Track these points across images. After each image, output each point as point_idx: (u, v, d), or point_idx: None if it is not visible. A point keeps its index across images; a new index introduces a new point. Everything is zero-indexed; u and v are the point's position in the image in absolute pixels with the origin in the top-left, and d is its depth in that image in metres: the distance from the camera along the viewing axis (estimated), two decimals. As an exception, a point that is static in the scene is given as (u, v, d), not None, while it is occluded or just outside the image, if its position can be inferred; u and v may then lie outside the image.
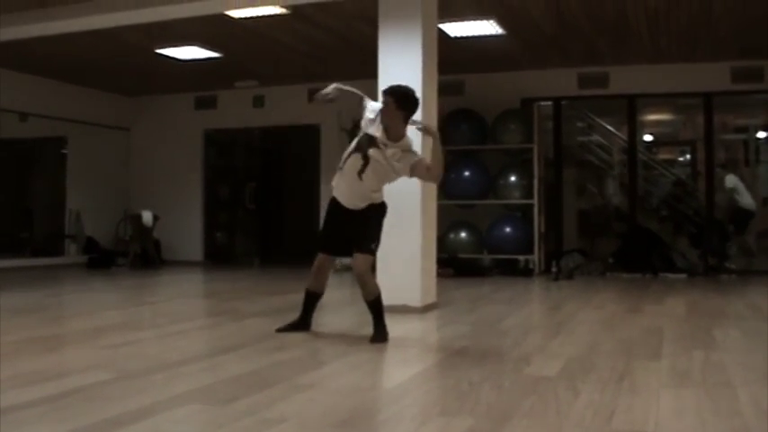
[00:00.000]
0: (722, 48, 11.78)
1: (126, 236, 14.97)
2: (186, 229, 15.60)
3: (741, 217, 13.57)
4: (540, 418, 3.67)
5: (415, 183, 7.72)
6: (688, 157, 18.11)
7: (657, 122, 18.40)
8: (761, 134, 18.05)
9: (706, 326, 6.78)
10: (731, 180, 13.74)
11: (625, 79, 12.98)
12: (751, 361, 5.16)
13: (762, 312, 8.13)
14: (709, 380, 4.53)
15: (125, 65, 13.08)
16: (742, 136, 18.50)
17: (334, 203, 6.39)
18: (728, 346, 5.75)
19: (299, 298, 9.03)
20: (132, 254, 14.44)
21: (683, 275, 12.06)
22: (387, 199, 7.99)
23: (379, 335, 5.98)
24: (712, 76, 12.74)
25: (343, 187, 6.32)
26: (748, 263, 13.22)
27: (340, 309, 8.72)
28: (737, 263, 12.99)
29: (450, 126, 12.76)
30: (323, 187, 14.54)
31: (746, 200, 13.64)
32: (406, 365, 5.11)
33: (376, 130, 5.93)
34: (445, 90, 11.83)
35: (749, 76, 12.64)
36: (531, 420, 3.63)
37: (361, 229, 6.10)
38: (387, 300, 7.52)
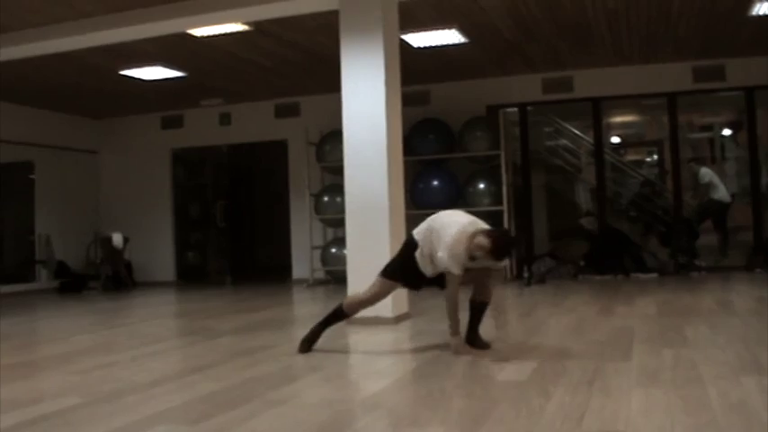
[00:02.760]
0: (683, 48, 11.88)
1: (97, 259, 14.88)
2: (157, 250, 15.55)
3: (718, 210, 13.69)
4: (512, 424, 3.69)
5: (381, 193, 7.76)
6: (655, 157, 18.27)
7: (624, 124, 18.57)
8: (725, 132, 18.26)
9: (676, 324, 6.83)
10: (706, 173, 13.87)
11: (589, 82, 13.06)
12: (721, 357, 5.19)
13: (731, 308, 8.21)
14: (680, 377, 4.56)
15: (90, 87, 13.03)
16: (707, 134, 18.70)
17: None
18: (699, 344, 5.78)
19: (270, 315, 9.06)
20: (104, 277, 14.37)
21: (654, 275, 12.14)
22: (354, 207, 8.04)
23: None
24: (675, 76, 12.84)
25: None
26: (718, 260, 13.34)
27: (312, 323, 8.68)
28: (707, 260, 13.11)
29: (417, 136, 12.80)
30: (292, 202, 14.55)
31: (722, 192, 13.77)
32: (378, 377, 5.11)
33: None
34: (410, 100, 11.93)
35: (711, 74, 12.75)
36: (502, 426, 3.65)
37: None
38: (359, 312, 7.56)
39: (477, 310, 5.98)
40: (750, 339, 5.93)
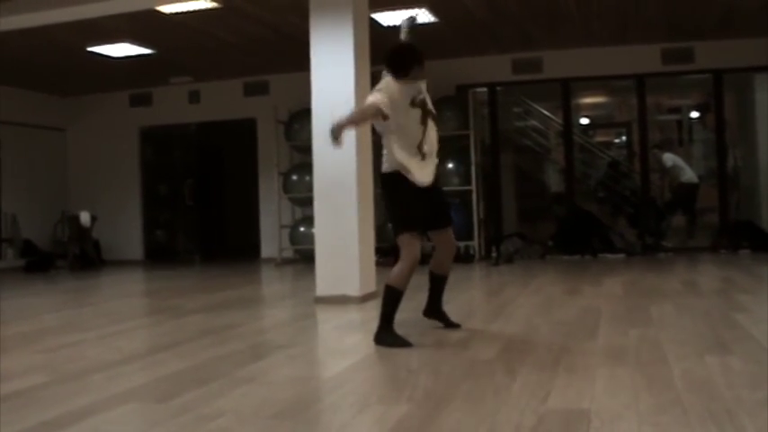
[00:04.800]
0: (652, 30, 11.93)
1: (64, 237, 14.78)
2: (125, 229, 15.46)
3: (688, 192, 13.79)
4: (478, 402, 3.71)
5: (350, 172, 7.75)
6: (624, 138, 18.38)
7: (593, 105, 18.64)
8: (694, 114, 18.38)
9: (642, 304, 6.89)
10: (669, 158, 13.95)
11: (558, 63, 13.09)
12: (685, 336, 5.25)
13: (696, 288, 8.29)
14: (644, 357, 4.61)
15: (57, 64, 12.90)
16: (676, 116, 18.82)
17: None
18: (664, 323, 5.84)
19: (238, 294, 9.04)
20: (71, 255, 14.27)
21: (622, 255, 12.23)
22: (323, 186, 8.02)
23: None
24: (643, 58, 12.90)
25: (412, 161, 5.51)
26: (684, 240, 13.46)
27: (280, 302, 8.72)
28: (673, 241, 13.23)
29: (387, 115, 12.77)
30: (261, 181, 14.51)
31: (688, 174, 13.87)
32: (344, 355, 5.13)
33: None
34: (380, 79, 11.85)
35: (679, 57, 12.82)
36: (468, 404, 3.67)
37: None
38: (325, 290, 7.61)
39: (436, 282, 5.95)
40: (714, 319, 6.00)
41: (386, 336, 5.30)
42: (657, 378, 4.02)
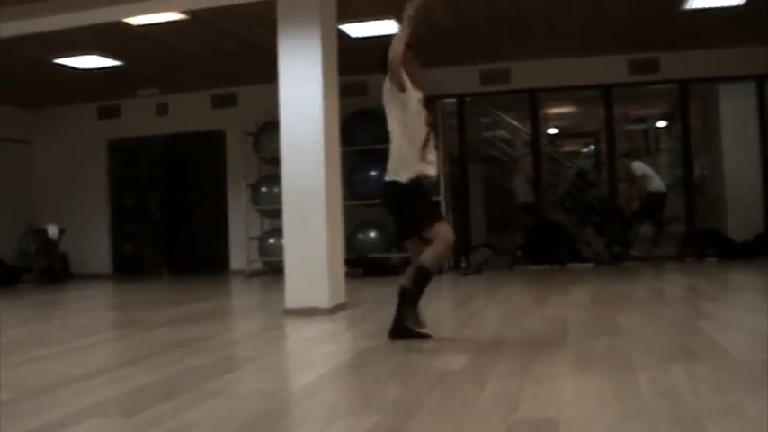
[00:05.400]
0: (618, 41, 12.04)
1: (31, 251, 14.66)
2: (93, 242, 15.35)
3: (656, 201, 13.89)
4: (446, 412, 3.72)
5: (318, 184, 7.75)
6: (591, 148, 18.50)
7: (560, 115, 18.76)
8: (660, 124, 18.55)
9: (609, 313, 6.93)
10: (639, 167, 14.06)
11: (526, 74, 13.16)
12: (651, 344, 5.29)
13: (663, 296, 8.36)
14: (611, 365, 4.63)
15: (23, 76, 12.79)
16: (642, 126, 18.99)
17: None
18: (630, 331, 5.87)
19: (207, 306, 9.01)
20: (38, 269, 14.16)
21: (590, 265, 12.31)
22: (291, 197, 8.02)
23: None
24: (610, 68, 13.01)
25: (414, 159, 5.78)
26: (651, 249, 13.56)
27: (249, 314, 8.69)
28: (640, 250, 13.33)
29: (355, 126, 12.77)
30: (230, 193, 14.48)
31: (657, 183, 13.98)
32: (314, 367, 5.12)
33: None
34: (348, 91, 11.88)
35: (645, 67, 12.94)
36: (436, 415, 3.68)
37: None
38: (294, 302, 7.60)
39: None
40: (680, 327, 6.05)
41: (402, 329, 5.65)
42: (625, 386, 4.05)
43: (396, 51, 5.60)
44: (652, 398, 3.76)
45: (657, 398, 3.76)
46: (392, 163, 5.75)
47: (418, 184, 5.72)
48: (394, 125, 5.68)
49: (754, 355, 4.85)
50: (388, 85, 5.68)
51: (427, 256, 5.58)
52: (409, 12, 5.62)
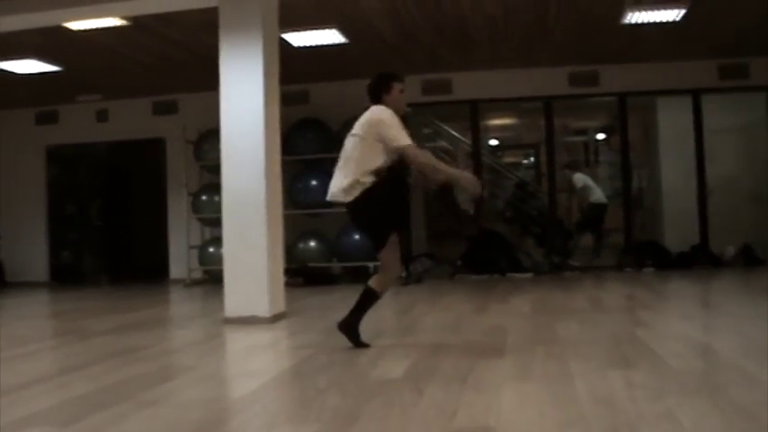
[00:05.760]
0: (559, 53, 12.19)
1: (-34, 258, 14.44)
2: (30, 250, 15.11)
3: (596, 212, 14.05)
4: (385, 420, 3.73)
5: (259, 192, 7.72)
6: (532, 159, 18.67)
7: (501, 127, 18.90)
8: (600, 136, 18.78)
9: (549, 322, 6.99)
10: (580, 178, 14.22)
11: (468, 85, 13.25)
12: (590, 352, 5.35)
13: (601, 306, 8.46)
14: (550, 373, 4.69)
15: (-41, 81, 12.62)
16: (582, 138, 19.21)
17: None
18: (569, 340, 5.94)
19: (146, 315, 8.92)
20: (-27, 277, 13.94)
21: (530, 275, 12.39)
22: (231, 206, 7.99)
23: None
24: (551, 80, 13.16)
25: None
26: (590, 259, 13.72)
27: (189, 323, 8.63)
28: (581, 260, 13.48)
29: (296, 135, 12.77)
30: (170, 201, 14.37)
31: (597, 194, 14.14)
32: (253, 376, 5.09)
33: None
34: (290, 100, 11.92)
35: (586, 80, 13.12)
36: (375, 423, 3.68)
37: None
38: (234, 311, 7.57)
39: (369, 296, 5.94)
40: (618, 335, 6.13)
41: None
42: (562, 394, 4.09)
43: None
44: (589, 405, 3.80)
45: (594, 405, 3.80)
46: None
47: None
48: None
49: (689, 362, 4.94)
50: (380, 135, 5.61)
51: (375, 280, 5.86)
52: (441, 174, 5.79)
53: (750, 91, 13.13)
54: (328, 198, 5.87)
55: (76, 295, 12.49)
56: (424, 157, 5.61)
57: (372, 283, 5.91)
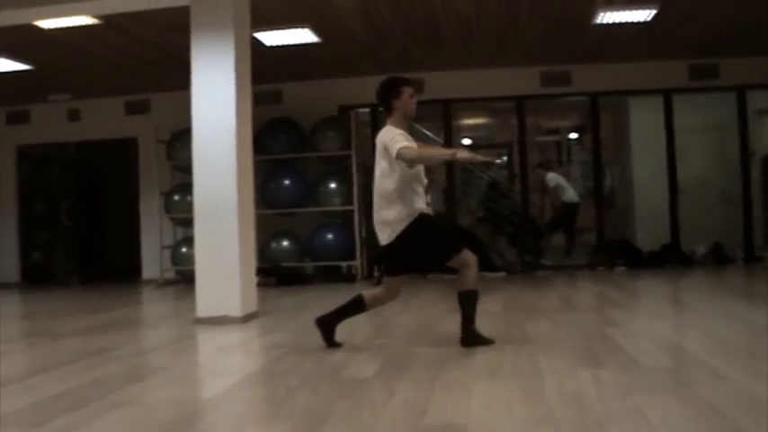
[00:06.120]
0: (531, 53, 12.22)
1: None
2: (0, 250, 15.00)
3: (568, 211, 14.10)
4: (355, 419, 3.73)
5: (230, 192, 7.70)
6: (505, 159, 18.71)
7: (474, 126, 18.92)
8: (572, 135, 18.86)
9: (520, 320, 7.03)
10: (552, 178, 14.26)
11: (440, 85, 13.25)
12: (560, 351, 5.38)
13: (572, 304, 8.51)
14: (520, 372, 4.72)
15: (-73, 80, 12.51)
16: (554, 137, 19.28)
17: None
18: (540, 339, 5.97)
19: (117, 315, 8.87)
20: (-57, 277, 13.82)
21: (502, 274, 12.42)
22: (202, 206, 7.96)
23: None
24: (523, 80, 13.20)
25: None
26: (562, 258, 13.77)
27: (161, 323, 8.60)
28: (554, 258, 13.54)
29: (269, 135, 12.75)
30: (142, 201, 14.30)
31: (570, 193, 14.18)
32: (224, 375, 5.09)
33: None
34: (263, 99, 11.90)
35: (557, 80, 13.17)
36: (345, 422, 3.69)
37: None
38: (206, 311, 7.54)
39: (359, 308, 6.00)
40: (588, 333, 6.17)
41: (473, 335, 5.71)
42: (532, 392, 4.12)
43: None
44: (558, 403, 3.83)
45: (563, 403, 3.84)
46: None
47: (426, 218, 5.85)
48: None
49: (658, 360, 4.98)
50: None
51: (466, 281, 5.93)
52: (462, 156, 5.77)
53: (720, 91, 13.23)
54: None
55: (47, 296, 12.42)
56: (414, 152, 5.59)
57: (366, 294, 5.97)
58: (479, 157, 6.05)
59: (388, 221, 5.71)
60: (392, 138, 5.62)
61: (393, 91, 5.92)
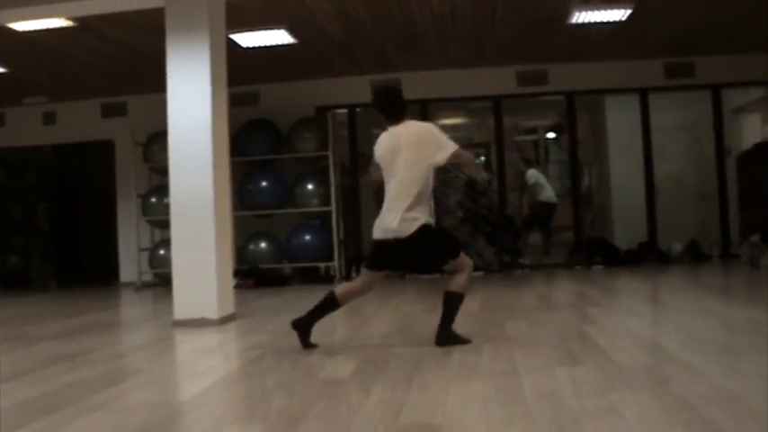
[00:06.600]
0: (507, 53, 12.26)
1: None
2: (-23, 254, 14.94)
3: (545, 210, 14.14)
4: (331, 420, 3.73)
5: (206, 195, 7.68)
6: (483, 158, 18.73)
7: (451, 126, 18.90)
8: (549, 135, 18.92)
9: (498, 319, 7.03)
10: (533, 175, 14.31)
11: (416, 85, 13.22)
12: (537, 350, 5.39)
13: (550, 303, 8.54)
14: (497, 370, 4.72)
15: None
16: (532, 137, 19.34)
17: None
18: (517, 338, 5.99)
19: (94, 319, 8.82)
20: None
21: (480, 273, 12.43)
22: (179, 208, 7.94)
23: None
24: (499, 80, 13.24)
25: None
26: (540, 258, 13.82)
27: (138, 326, 8.57)
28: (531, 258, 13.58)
29: (246, 137, 12.74)
30: (119, 204, 14.24)
31: (548, 193, 14.23)
32: (200, 378, 5.07)
33: None
34: (239, 101, 11.91)
35: (534, 79, 13.21)
36: (321, 422, 3.69)
37: None
38: (183, 313, 7.52)
39: (332, 306, 6.00)
40: (565, 332, 6.18)
41: (450, 335, 5.75)
42: (508, 391, 4.12)
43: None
44: (534, 401, 3.84)
45: (539, 401, 3.84)
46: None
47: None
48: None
49: (634, 357, 4.99)
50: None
51: (456, 282, 5.94)
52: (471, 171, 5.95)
53: (696, 89, 13.31)
54: None
55: (24, 300, 12.34)
56: (470, 157, 6.15)
57: (338, 290, 5.98)
58: (485, 175, 6.21)
59: (416, 219, 5.67)
60: (444, 136, 5.80)
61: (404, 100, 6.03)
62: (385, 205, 5.78)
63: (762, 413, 3.42)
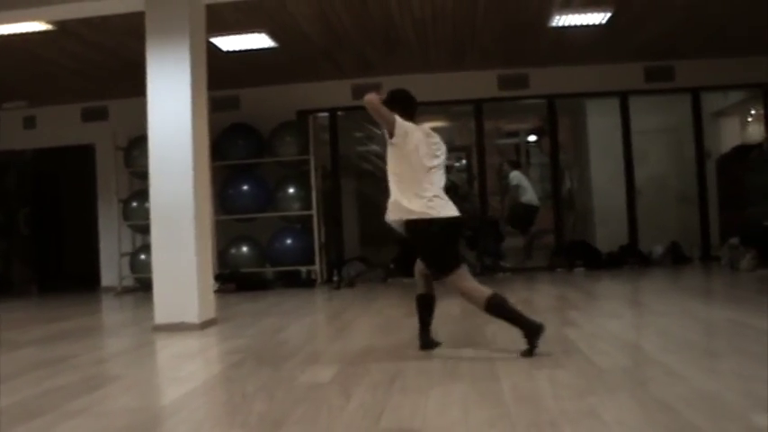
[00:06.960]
0: (488, 56, 12.28)
1: None
2: (-44, 259, 14.84)
3: (526, 213, 14.16)
4: (311, 424, 3.74)
5: (187, 199, 7.66)
6: (464, 162, 18.77)
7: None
8: (530, 138, 18.98)
9: (478, 324, 7.01)
10: (515, 176, 14.33)
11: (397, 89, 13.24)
12: (516, 352, 5.39)
13: (532, 306, 8.50)
14: (477, 374, 4.73)
15: None
16: (513, 140, 19.39)
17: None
18: (497, 342, 5.99)
19: (75, 324, 8.78)
20: None
21: (462, 277, 12.42)
22: (159, 213, 7.91)
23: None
24: (481, 83, 13.26)
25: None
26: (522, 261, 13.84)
27: (119, 331, 8.54)
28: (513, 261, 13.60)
29: (226, 141, 12.71)
30: (100, 208, 14.19)
31: (530, 195, 14.25)
32: (181, 383, 5.06)
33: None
34: (220, 105, 11.89)
35: (515, 83, 13.24)
36: (301, 426, 3.69)
37: None
38: (164, 318, 7.50)
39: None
40: (546, 335, 6.15)
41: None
42: (488, 394, 4.14)
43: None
44: (514, 404, 3.86)
45: (519, 404, 3.86)
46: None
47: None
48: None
49: (614, 360, 5.02)
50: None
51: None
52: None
53: (676, 93, 13.37)
54: None
55: (4, 306, 12.25)
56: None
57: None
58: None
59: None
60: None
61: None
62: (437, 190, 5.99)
63: (740, 414, 3.45)
